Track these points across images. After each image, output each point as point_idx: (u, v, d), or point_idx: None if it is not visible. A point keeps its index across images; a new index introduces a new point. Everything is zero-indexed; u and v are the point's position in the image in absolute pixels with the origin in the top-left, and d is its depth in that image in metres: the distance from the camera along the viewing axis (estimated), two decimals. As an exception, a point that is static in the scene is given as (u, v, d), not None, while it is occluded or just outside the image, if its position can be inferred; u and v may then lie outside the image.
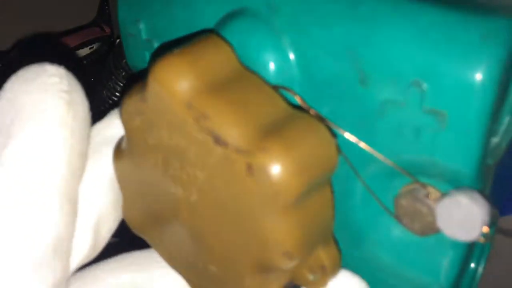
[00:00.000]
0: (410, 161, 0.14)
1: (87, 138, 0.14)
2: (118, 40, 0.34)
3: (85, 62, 0.46)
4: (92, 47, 0.47)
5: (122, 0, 0.20)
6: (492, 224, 0.18)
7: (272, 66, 0.15)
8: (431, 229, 0.15)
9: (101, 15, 0.48)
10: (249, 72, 0.14)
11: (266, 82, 0.14)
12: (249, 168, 0.12)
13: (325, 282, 0.14)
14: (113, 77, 0.32)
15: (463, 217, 0.13)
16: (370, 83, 0.14)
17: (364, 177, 0.15)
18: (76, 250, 0.15)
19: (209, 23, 0.17)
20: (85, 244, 0.15)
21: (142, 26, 0.19)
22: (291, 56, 0.15)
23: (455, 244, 0.15)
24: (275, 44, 0.15)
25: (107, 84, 0.32)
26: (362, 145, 0.14)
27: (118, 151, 0.16)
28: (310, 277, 0.14)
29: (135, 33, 0.20)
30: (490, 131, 0.13)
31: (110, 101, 0.32)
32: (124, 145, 0.15)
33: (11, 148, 0.13)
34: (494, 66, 0.12)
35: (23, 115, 0.13)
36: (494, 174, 0.16)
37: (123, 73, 0.32)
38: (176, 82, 0.13)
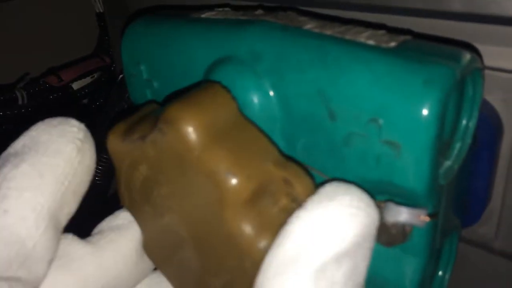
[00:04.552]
0: (374, 183, 0.16)
1: (86, 184, 0.16)
2: (121, 76, 0.36)
3: (87, 90, 0.49)
4: (93, 76, 0.49)
5: (125, 45, 0.22)
6: (454, 231, 0.20)
7: (256, 104, 0.17)
8: (395, 240, 0.17)
9: (101, 46, 0.50)
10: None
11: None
12: (160, 130, 0.15)
13: (301, 197, 0.15)
14: (116, 109, 0.34)
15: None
16: (337, 118, 0.16)
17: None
18: None
19: (202, 67, 0.19)
20: None
21: (143, 67, 0.21)
22: (272, 96, 0.17)
23: (417, 253, 0.17)
24: (258, 86, 0.17)
25: (111, 115, 0.35)
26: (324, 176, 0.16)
27: (125, 201, 0.18)
28: (293, 205, 0.15)
29: (136, 73, 0.22)
30: (438, 157, 0.15)
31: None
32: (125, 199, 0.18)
33: (21, 169, 0.15)
34: (434, 104, 0.14)
35: (38, 148, 0.15)
36: (452, 191, 0.18)
37: (126, 106, 0.34)
38: (112, 136, 0.18)
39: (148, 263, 0.18)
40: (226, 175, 0.14)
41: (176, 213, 0.16)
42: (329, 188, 0.13)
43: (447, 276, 0.21)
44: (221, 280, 0.16)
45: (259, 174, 0.15)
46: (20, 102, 0.43)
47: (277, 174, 0.15)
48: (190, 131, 0.15)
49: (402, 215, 0.15)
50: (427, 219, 0.15)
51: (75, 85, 0.47)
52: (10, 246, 0.14)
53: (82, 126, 0.16)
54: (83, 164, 0.16)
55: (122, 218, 0.18)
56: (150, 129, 0.16)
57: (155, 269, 0.19)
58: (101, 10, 0.48)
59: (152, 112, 0.17)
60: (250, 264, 0.14)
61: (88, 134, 0.16)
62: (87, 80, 0.48)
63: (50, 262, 0.15)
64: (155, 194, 0.17)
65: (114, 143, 0.17)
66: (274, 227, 0.14)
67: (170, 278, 0.18)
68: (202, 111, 0.15)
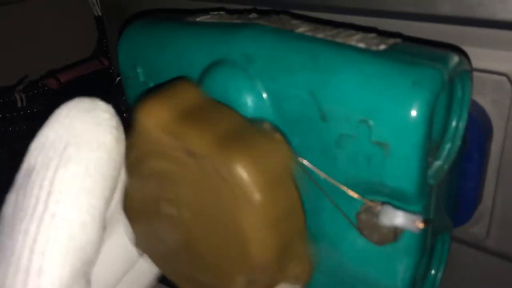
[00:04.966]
0: (365, 183, 0.16)
1: (122, 169, 0.16)
2: (118, 78, 0.36)
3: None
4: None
5: (121, 48, 0.22)
6: (446, 230, 0.21)
7: (249, 106, 0.18)
8: (387, 239, 0.17)
9: (100, 49, 0.50)
10: (211, 100, 0.17)
11: (226, 106, 0.17)
12: (215, 169, 0.15)
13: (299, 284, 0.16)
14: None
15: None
16: (328, 119, 0.16)
17: (331, 197, 0.18)
18: None
19: (197, 70, 0.19)
20: None
21: (139, 70, 0.22)
22: (265, 98, 0.18)
23: (408, 252, 0.18)
24: (251, 87, 0.18)
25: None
26: (321, 173, 0.16)
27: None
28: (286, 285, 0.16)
29: (133, 76, 0.22)
30: (427, 157, 0.16)
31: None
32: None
33: (70, 169, 0.14)
34: (423, 106, 0.14)
35: (80, 142, 0.14)
36: (443, 191, 0.19)
37: (123, 108, 0.34)
38: (153, 115, 0.16)
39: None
40: (265, 251, 0.15)
41: (184, 214, 0.16)
42: None
43: (439, 275, 0.21)
44: (204, 279, 0.17)
45: (290, 253, 0.16)
46: (19, 104, 0.44)
47: (302, 250, 0.16)
48: (250, 188, 0.14)
49: (398, 219, 0.16)
50: (422, 225, 0.15)
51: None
52: (76, 255, 0.14)
53: (111, 109, 0.16)
54: (120, 154, 0.15)
55: None
56: (204, 152, 0.15)
57: None
58: (100, 14, 0.49)
59: (205, 113, 0.16)
60: None
61: (119, 119, 0.16)
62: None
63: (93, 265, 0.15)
64: (172, 190, 0.16)
65: (152, 123, 0.16)
66: None
67: (139, 235, 0.18)
68: (266, 171, 0.15)
